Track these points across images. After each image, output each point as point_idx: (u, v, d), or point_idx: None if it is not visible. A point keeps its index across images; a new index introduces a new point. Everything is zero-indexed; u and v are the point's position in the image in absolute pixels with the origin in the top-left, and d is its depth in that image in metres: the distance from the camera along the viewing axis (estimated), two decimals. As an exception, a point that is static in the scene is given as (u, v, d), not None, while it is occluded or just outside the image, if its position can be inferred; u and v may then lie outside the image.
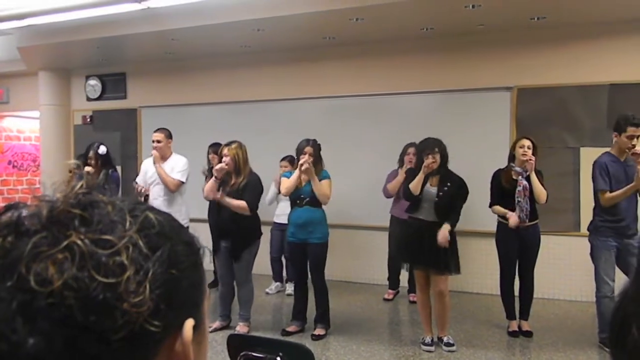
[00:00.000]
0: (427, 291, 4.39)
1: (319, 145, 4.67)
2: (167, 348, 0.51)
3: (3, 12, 5.38)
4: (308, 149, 4.52)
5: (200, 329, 0.56)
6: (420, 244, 4.25)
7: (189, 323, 0.52)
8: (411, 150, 5.51)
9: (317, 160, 4.60)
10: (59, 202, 0.49)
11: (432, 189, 4.28)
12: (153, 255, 0.49)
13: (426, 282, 4.35)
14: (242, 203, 4.51)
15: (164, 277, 0.49)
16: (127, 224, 0.49)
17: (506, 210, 4.50)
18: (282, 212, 5.90)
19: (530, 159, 4.43)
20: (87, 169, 5.38)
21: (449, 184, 4.26)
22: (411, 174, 4.48)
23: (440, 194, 4.23)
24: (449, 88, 6.17)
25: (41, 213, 0.48)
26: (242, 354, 2.43)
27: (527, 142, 4.52)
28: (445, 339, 4.39)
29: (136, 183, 5.28)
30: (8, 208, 0.50)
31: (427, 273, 4.32)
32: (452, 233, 4.28)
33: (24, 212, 0.49)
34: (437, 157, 4.24)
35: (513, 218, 4.43)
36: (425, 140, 4.35)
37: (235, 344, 2.63)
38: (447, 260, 4.23)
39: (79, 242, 0.46)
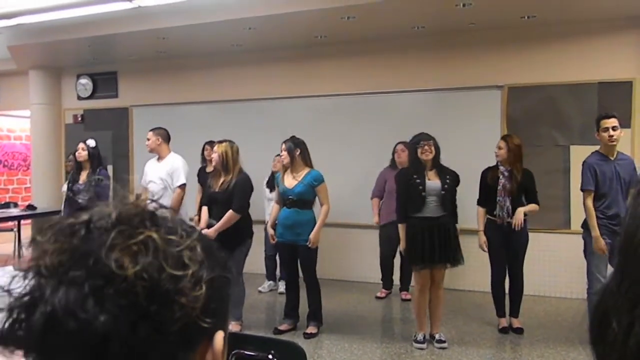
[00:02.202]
0: (426, 292, 4.38)
1: (300, 142, 4.64)
2: (199, 354, 0.56)
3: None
4: (283, 152, 4.59)
5: (225, 344, 0.61)
6: (431, 242, 4.21)
7: (220, 334, 0.58)
8: (399, 147, 5.56)
9: (303, 157, 4.59)
10: (128, 205, 0.57)
11: (435, 183, 4.26)
12: (207, 260, 0.56)
13: (428, 282, 4.35)
14: (230, 216, 4.47)
15: (213, 282, 0.56)
16: (186, 231, 0.57)
17: (481, 229, 4.64)
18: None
19: (497, 155, 4.56)
20: (80, 152, 5.39)
21: (447, 177, 4.28)
22: (402, 174, 4.49)
23: (445, 186, 4.25)
24: (440, 87, 6.19)
25: (111, 214, 0.55)
26: (234, 352, 2.43)
27: (500, 143, 4.63)
28: (437, 336, 4.41)
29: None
30: (81, 209, 0.57)
31: (432, 269, 4.32)
32: (456, 227, 4.35)
33: (95, 214, 0.55)
34: (432, 147, 4.27)
35: (480, 238, 4.64)
36: (419, 134, 4.38)
37: (227, 342, 2.61)
38: (455, 253, 4.28)
39: (154, 236, 0.53)
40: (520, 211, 4.47)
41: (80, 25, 5.89)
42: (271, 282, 6.19)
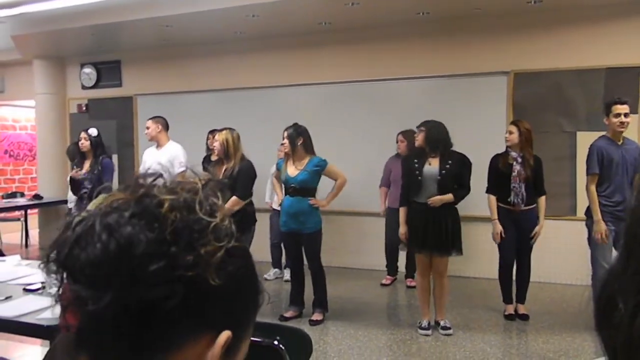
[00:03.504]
0: (428, 275, 4.41)
1: (302, 130, 4.62)
2: (200, 348, 0.55)
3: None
4: (284, 140, 4.58)
5: (237, 351, 0.60)
6: (425, 228, 4.24)
7: (225, 333, 0.57)
8: (399, 137, 5.59)
9: (305, 145, 4.58)
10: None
11: (432, 168, 4.25)
12: (235, 237, 0.59)
13: (428, 266, 4.37)
14: (233, 202, 4.41)
15: (237, 260, 0.58)
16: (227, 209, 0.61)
17: (495, 217, 4.57)
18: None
19: (508, 140, 4.50)
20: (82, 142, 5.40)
21: (450, 161, 4.25)
22: (405, 160, 4.55)
23: (443, 172, 4.21)
24: (445, 73, 6.15)
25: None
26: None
27: (511, 127, 4.59)
28: (442, 323, 4.42)
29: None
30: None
31: (431, 256, 4.33)
32: (457, 213, 4.31)
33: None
34: (421, 134, 4.29)
35: (495, 227, 4.55)
36: (424, 121, 4.38)
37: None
38: (451, 241, 4.25)
39: (199, 186, 0.59)
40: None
41: (84, 13, 5.87)
42: (277, 269, 6.21)
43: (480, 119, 6.01)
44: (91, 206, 1.95)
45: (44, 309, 2.54)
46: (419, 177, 4.26)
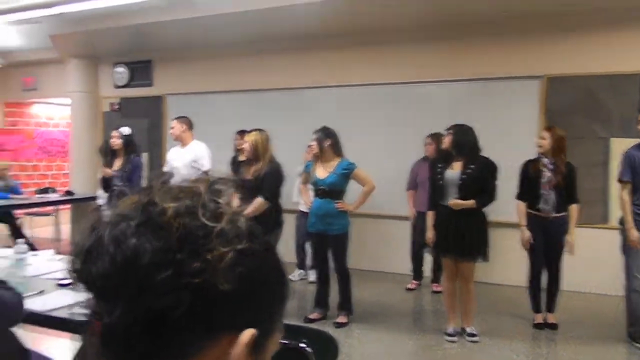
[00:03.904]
0: (454, 280, 4.36)
1: (330, 132, 4.62)
2: (220, 349, 0.55)
3: (37, 0, 5.46)
4: (313, 142, 4.60)
5: (264, 348, 0.59)
6: (446, 231, 4.21)
7: (249, 332, 0.56)
8: (427, 139, 5.56)
9: (333, 147, 4.58)
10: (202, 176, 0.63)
11: (454, 172, 4.21)
12: (248, 235, 0.57)
13: (454, 270, 4.33)
14: (258, 203, 4.41)
15: (250, 261, 0.56)
16: (239, 210, 0.59)
17: (524, 224, 4.49)
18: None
19: (540, 146, 4.42)
20: (114, 140, 5.48)
21: (472, 166, 4.19)
22: (431, 163, 4.56)
23: (464, 176, 4.16)
24: (475, 77, 6.08)
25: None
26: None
27: (543, 133, 4.51)
28: (468, 329, 4.37)
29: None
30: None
31: (455, 261, 4.29)
32: (483, 219, 4.25)
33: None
34: (448, 137, 4.24)
35: (523, 234, 4.47)
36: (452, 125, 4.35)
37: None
38: (475, 246, 4.20)
39: (201, 189, 0.58)
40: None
41: (120, 14, 5.98)
42: (302, 271, 6.22)
43: (510, 124, 5.92)
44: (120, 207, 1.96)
45: (76, 303, 2.60)
46: (440, 182, 4.23)
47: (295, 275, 6.18)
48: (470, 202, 4.13)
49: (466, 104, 6.04)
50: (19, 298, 2.13)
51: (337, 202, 4.53)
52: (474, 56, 6.09)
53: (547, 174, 4.40)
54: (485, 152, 4.34)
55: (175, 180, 0.62)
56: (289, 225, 5.07)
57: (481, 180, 4.17)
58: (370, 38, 6.46)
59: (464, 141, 4.19)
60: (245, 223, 0.58)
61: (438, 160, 4.43)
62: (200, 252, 0.53)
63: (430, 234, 4.34)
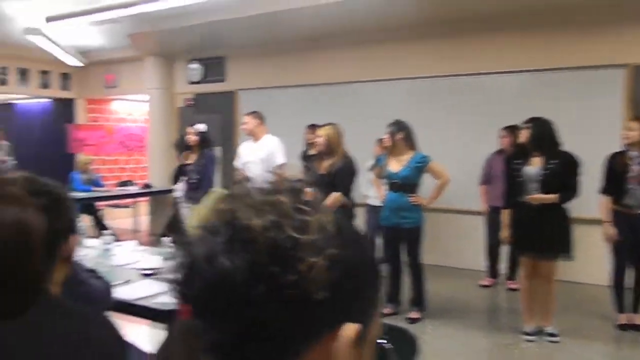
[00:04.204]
0: (532, 278, 4.20)
1: (403, 125, 4.56)
2: (327, 343, 0.55)
3: (118, 0, 5.70)
4: (386, 135, 4.57)
5: (366, 336, 0.59)
6: (526, 229, 4.06)
7: (351, 326, 0.56)
8: (502, 132, 5.40)
9: (406, 141, 4.52)
10: (278, 180, 0.62)
11: (533, 169, 4.03)
12: (337, 238, 0.56)
13: (533, 269, 4.17)
14: (335, 198, 4.45)
15: (343, 263, 0.56)
16: (324, 211, 0.58)
17: (608, 220, 4.29)
18: (376, 194, 5.90)
19: (626, 138, 4.16)
20: (189, 136, 5.65)
21: (553, 161, 3.99)
22: (507, 159, 4.42)
23: (546, 172, 3.98)
24: (552, 66, 5.82)
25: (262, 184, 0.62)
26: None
27: (631, 124, 4.24)
28: (548, 329, 4.21)
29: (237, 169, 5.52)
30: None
31: (535, 259, 4.13)
32: (565, 215, 4.06)
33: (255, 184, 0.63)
34: (526, 131, 4.05)
35: (607, 230, 4.27)
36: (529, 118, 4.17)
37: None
38: (557, 244, 4.03)
39: (283, 200, 0.57)
40: None
41: (193, 12, 6.15)
42: (372, 265, 6.19)
43: (591, 116, 5.64)
44: (201, 206, 2.01)
45: (160, 293, 2.70)
46: (519, 178, 4.06)
47: (365, 269, 6.16)
48: (552, 197, 3.96)
49: (541, 96, 5.81)
50: (108, 286, 2.24)
51: (411, 196, 4.48)
52: (548, 45, 5.82)
53: (635, 168, 4.16)
54: (564, 145, 4.14)
55: (253, 184, 0.62)
56: (359, 220, 5.05)
57: (563, 175, 3.98)
58: (439, 29, 6.32)
59: (542, 135, 4.01)
60: (332, 225, 0.57)
61: (515, 156, 4.27)
62: (291, 264, 0.53)
63: (506, 233, 4.20)
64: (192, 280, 0.55)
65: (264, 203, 0.57)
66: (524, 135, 4.10)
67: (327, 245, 0.55)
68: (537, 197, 3.98)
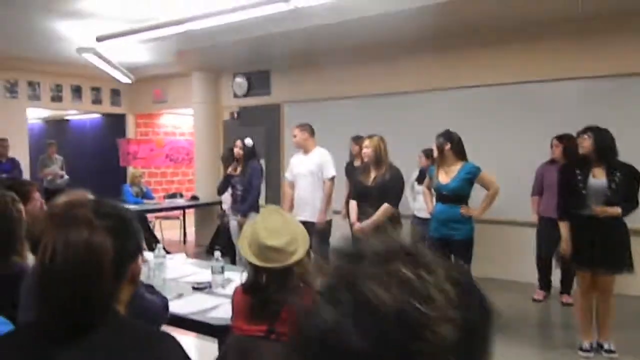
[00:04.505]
0: (590, 293, 4.05)
1: (451, 136, 4.50)
2: None
3: (164, 19, 5.85)
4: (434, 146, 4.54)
5: None
6: (589, 243, 3.88)
7: None
8: (554, 141, 5.25)
9: (454, 151, 4.46)
10: (391, 240, 0.62)
11: (598, 181, 3.88)
12: (460, 299, 0.57)
13: (591, 284, 4.02)
14: (386, 209, 4.46)
15: (468, 325, 0.57)
16: (441, 268, 0.59)
17: None
18: (422, 206, 5.83)
19: None
20: (237, 150, 5.73)
21: (618, 173, 3.84)
22: (564, 169, 4.21)
23: (612, 186, 3.82)
24: (613, 73, 5.62)
25: (377, 247, 0.61)
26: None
27: None
28: (605, 345, 4.05)
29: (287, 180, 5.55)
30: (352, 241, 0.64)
31: (593, 274, 3.99)
32: (625, 227, 3.91)
33: (366, 245, 0.62)
34: (587, 141, 3.88)
35: None
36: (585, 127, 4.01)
37: None
38: (618, 257, 3.87)
39: (404, 270, 0.57)
40: None
41: (240, 28, 6.23)
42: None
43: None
44: (250, 223, 1.98)
45: (212, 308, 2.73)
46: (583, 191, 3.89)
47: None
48: (617, 209, 3.82)
49: (596, 104, 5.63)
50: (164, 302, 2.28)
51: (461, 208, 4.40)
52: (608, 52, 5.62)
53: None
54: (625, 158, 3.97)
55: (365, 243, 0.61)
56: (405, 231, 4.99)
57: (626, 187, 3.84)
58: (487, 37, 6.22)
59: (605, 145, 3.85)
60: (452, 286, 0.58)
61: (571, 166, 4.11)
62: (419, 335, 0.54)
63: (565, 245, 4.03)
64: (322, 356, 0.56)
65: (387, 274, 0.57)
66: (586, 145, 3.92)
67: (452, 310, 0.56)
68: (604, 209, 3.84)
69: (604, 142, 3.86)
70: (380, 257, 0.59)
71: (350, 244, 0.63)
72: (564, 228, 4.04)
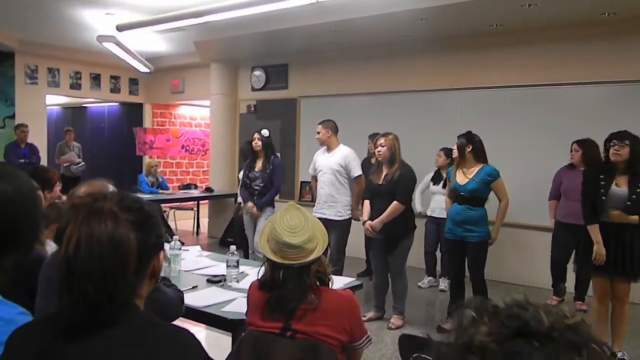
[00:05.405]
0: (606, 302, 3.99)
1: (472, 137, 4.46)
2: None
3: (184, 10, 5.86)
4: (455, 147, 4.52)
5: None
6: (609, 250, 3.79)
7: None
8: (574, 146, 5.15)
9: (475, 153, 4.42)
10: (551, 316, 0.66)
11: (620, 190, 3.79)
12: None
13: (608, 291, 3.95)
14: (395, 207, 4.46)
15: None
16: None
17: None
18: (437, 205, 5.81)
19: None
20: (256, 142, 5.65)
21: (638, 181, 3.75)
22: (589, 173, 4.12)
23: (633, 197, 3.73)
24: (633, 78, 5.54)
25: (544, 322, 0.65)
26: (414, 356, 2.38)
27: None
28: (619, 354, 3.99)
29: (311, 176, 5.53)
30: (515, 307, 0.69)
31: (612, 280, 3.93)
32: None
33: (530, 318, 0.66)
34: (625, 149, 3.76)
35: None
36: (617, 132, 3.87)
37: (406, 344, 2.59)
38: (637, 266, 3.80)
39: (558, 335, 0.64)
40: None
41: (259, 20, 6.23)
42: (431, 277, 6.09)
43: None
44: (264, 233, 1.94)
45: (227, 301, 2.73)
46: (603, 197, 3.80)
47: (424, 282, 6.06)
48: (634, 217, 3.74)
49: (620, 109, 5.53)
50: (180, 296, 2.28)
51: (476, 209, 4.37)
52: (631, 56, 5.55)
53: None
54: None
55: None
56: (418, 231, 4.94)
57: None
58: (511, 39, 6.14)
59: (637, 155, 3.74)
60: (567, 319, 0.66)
61: (596, 171, 3.99)
62: None
63: (600, 250, 3.82)
64: None
65: (544, 338, 0.64)
66: (623, 153, 3.75)
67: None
68: (621, 215, 3.75)
69: (636, 153, 3.74)
70: (553, 334, 0.65)
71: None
72: (594, 232, 3.86)
